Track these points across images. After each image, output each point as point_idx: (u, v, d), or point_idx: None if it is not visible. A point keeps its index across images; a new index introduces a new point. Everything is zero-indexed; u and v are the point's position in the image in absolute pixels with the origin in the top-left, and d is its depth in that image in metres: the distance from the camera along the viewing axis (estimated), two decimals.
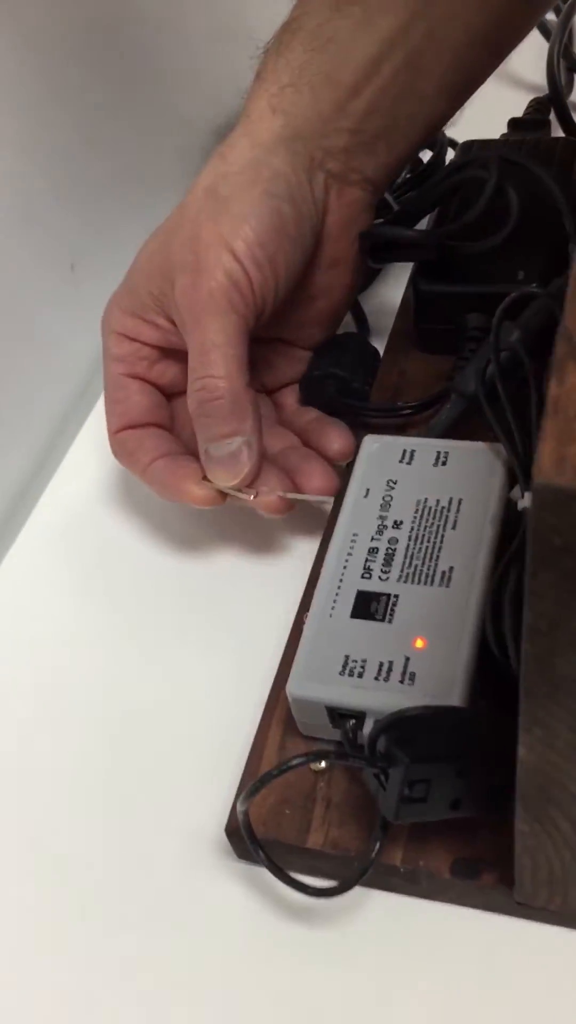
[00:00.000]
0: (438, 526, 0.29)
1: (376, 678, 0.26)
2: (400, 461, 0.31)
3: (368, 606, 0.27)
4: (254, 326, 0.30)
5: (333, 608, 0.28)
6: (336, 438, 0.33)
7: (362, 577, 0.28)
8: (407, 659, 0.26)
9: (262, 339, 0.32)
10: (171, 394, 0.34)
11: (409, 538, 0.29)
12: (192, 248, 0.30)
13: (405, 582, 0.28)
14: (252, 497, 0.30)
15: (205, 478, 0.31)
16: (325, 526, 0.32)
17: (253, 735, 0.28)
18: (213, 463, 0.31)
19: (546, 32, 0.46)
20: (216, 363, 0.29)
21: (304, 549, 0.33)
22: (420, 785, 0.23)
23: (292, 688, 0.26)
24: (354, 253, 0.34)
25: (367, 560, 0.29)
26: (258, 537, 0.33)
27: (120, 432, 0.33)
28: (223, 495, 0.31)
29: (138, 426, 0.33)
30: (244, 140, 0.31)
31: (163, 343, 0.33)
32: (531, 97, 0.46)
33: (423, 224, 0.37)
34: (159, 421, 0.33)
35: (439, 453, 0.31)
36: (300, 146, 0.31)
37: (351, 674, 0.26)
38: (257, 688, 0.29)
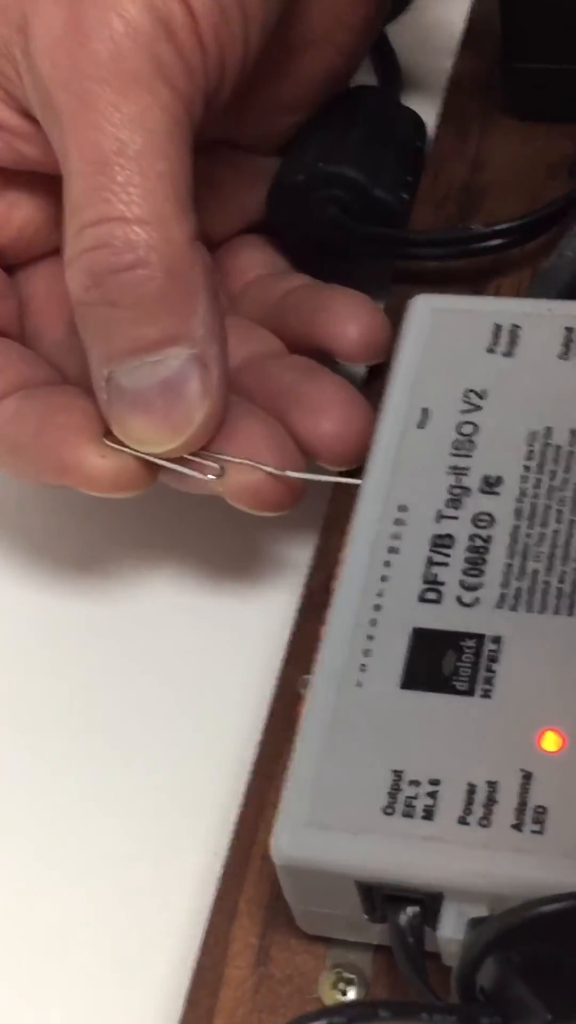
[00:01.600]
0: None
1: (463, 821, 0.23)
2: (490, 348, 0.28)
3: (438, 663, 0.24)
4: (202, 115, 0.28)
5: (363, 669, 0.25)
6: (350, 316, 0.30)
7: (423, 600, 0.25)
8: (527, 777, 0.23)
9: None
10: (18, 265, 0.33)
11: (518, 514, 0.26)
12: None
13: (515, 609, 0.25)
14: (212, 477, 0.28)
15: (109, 436, 0.28)
16: (331, 490, 0.30)
17: (205, 921, 0.26)
18: (127, 405, 0.28)
19: None
20: (131, 190, 0.27)
21: (298, 550, 0.31)
22: None
23: (283, 846, 0.23)
24: None
25: (431, 563, 0.26)
26: (214, 535, 0.32)
27: None
28: (149, 470, 0.29)
29: None
30: None
31: (4, 158, 0.30)
32: None
33: None
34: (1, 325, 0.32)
35: (571, 330, 0.28)
36: None
37: (408, 812, 0.23)
38: (211, 829, 0.28)
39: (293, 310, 0.32)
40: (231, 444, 0.28)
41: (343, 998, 0.25)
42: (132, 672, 0.31)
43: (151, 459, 0.28)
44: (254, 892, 0.25)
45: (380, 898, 0.23)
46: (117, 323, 0.27)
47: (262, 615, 0.30)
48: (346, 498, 0.28)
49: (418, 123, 0.34)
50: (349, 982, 0.25)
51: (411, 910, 0.23)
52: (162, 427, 0.28)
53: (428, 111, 0.35)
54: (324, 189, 0.32)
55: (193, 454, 0.28)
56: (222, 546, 0.32)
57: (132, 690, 0.31)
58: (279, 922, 0.25)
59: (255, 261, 0.34)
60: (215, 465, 0.28)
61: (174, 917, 0.27)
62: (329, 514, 0.29)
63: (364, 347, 0.30)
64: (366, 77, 0.37)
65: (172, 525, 0.33)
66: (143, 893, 0.28)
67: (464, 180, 0.34)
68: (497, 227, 0.31)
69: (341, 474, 0.29)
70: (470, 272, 0.32)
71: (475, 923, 0.21)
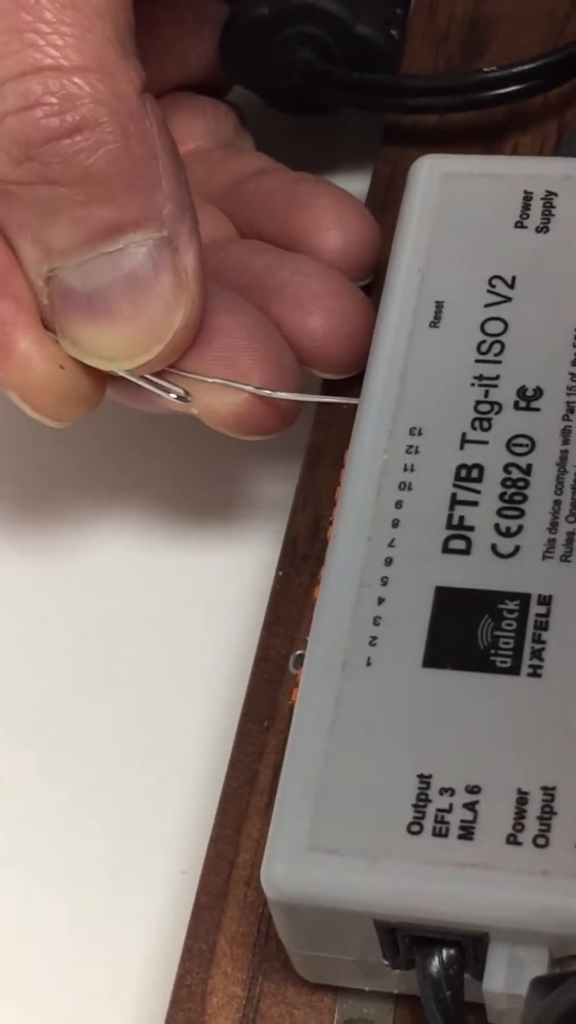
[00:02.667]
0: None
1: (513, 840, 0.21)
2: (519, 223, 0.27)
3: (471, 633, 0.23)
4: None
5: (373, 642, 0.23)
6: (333, 221, 0.29)
7: (447, 551, 0.24)
8: None
9: None
10: None
11: (564, 436, 0.25)
12: None
13: (567, 560, 0.24)
14: (173, 397, 0.27)
15: (47, 329, 0.27)
16: (316, 409, 0.29)
17: (175, 967, 0.24)
18: (80, 311, 0.26)
19: None
20: (64, 30, 0.25)
21: (276, 486, 0.31)
22: None
23: (279, 878, 0.21)
24: None
25: (456, 502, 0.25)
26: (166, 466, 0.31)
27: None
28: (101, 387, 0.27)
29: None
30: None
31: None
32: None
33: None
34: None
35: None
36: None
37: (441, 831, 0.21)
38: (179, 846, 0.27)
39: (257, 203, 0.30)
40: (210, 351, 0.26)
41: None
42: (72, 644, 0.30)
43: (104, 366, 0.26)
44: (237, 928, 0.24)
45: (405, 940, 0.21)
46: (60, 205, 0.25)
47: (233, 567, 0.29)
48: (336, 418, 0.28)
49: None
50: None
51: (446, 954, 0.21)
52: (133, 337, 0.26)
53: None
54: (294, 26, 0.31)
55: (161, 368, 0.26)
56: (178, 481, 0.31)
57: (73, 667, 0.30)
58: (271, 966, 0.23)
59: (195, 128, 0.32)
60: (178, 387, 0.27)
61: (134, 962, 0.25)
62: (314, 439, 0.28)
63: (352, 261, 0.29)
64: None
65: (113, 453, 0.32)
66: (92, 932, 0.26)
67: (468, 13, 0.32)
68: (513, 70, 0.30)
69: (331, 391, 0.28)
70: (479, 127, 0.31)
71: (540, 984, 0.19)
